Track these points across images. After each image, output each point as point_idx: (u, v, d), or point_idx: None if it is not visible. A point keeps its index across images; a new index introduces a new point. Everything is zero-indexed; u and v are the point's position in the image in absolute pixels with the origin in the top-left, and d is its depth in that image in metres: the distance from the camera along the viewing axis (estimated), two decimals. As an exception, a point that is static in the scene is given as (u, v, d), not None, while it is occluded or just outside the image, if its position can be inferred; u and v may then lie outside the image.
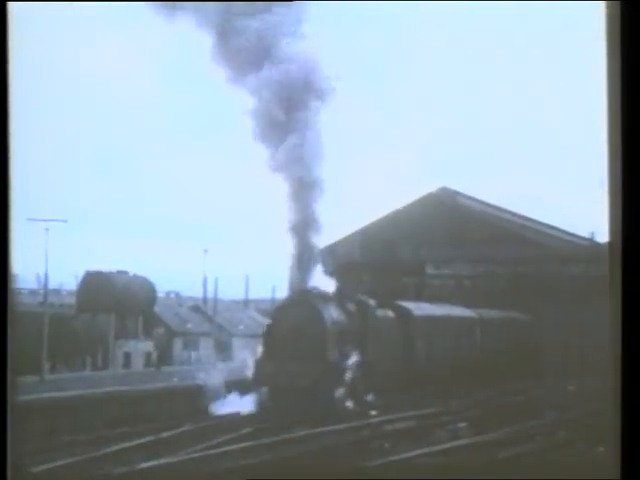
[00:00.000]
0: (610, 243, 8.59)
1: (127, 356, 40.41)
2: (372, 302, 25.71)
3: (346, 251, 40.19)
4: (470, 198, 41.87)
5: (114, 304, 40.61)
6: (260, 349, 23.67)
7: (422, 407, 23.28)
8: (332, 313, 23.76)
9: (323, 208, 23.94)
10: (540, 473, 13.07)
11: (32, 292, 42.76)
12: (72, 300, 42.25)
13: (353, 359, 23.30)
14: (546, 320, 35.90)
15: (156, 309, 44.66)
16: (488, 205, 41.64)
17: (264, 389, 22.82)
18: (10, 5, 9.00)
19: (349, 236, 41.02)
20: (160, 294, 47.11)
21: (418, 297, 34.83)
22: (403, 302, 28.25)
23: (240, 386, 23.30)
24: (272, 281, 24.81)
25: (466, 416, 21.19)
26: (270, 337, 23.63)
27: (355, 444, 17.44)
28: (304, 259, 23.81)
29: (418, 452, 15.63)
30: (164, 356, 39.71)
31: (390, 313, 26.75)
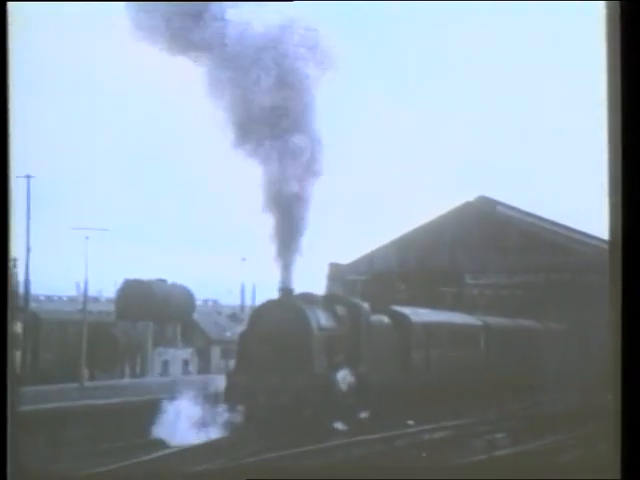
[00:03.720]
0: (610, 242, 8.60)
1: (165, 364, 40.65)
2: (366, 306, 22.86)
3: (383, 260, 40.15)
4: (509, 207, 41.66)
5: (153, 312, 40.88)
6: (233, 359, 20.85)
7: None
8: (319, 317, 20.85)
9: (357, 215, 22.89)
10: (541, 473, 13.01)
11: (71, 299, 43.15)
12: (111, 308, 42.56)
13: (344, 371, 20.52)
14: (579, 329, 35.34)
15: (195, 317, 44.92)
16: (527, 214, 41.40)
17: (239, 407, 19.59)
18: (11, 5, 9.12)
19: (386, 245, 40.99)
20: (198, 302, 47.39)
21: (456, 306, 34.67)
22: (399, 307, 25.36)
23: (211, 402, 19.93)
24: (309, 288, 23.43)
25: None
26: (246, 345, 20.51)
27: (390, 453, 17.25)
28: (288, 257, 20.89)
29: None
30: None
31: (386, 319, 23.75)
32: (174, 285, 43.56)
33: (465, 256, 40.06)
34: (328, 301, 21.81)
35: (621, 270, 8.54)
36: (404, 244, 40.89)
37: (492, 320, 30.17)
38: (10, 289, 9.04)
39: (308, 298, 21.28)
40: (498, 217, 40.97)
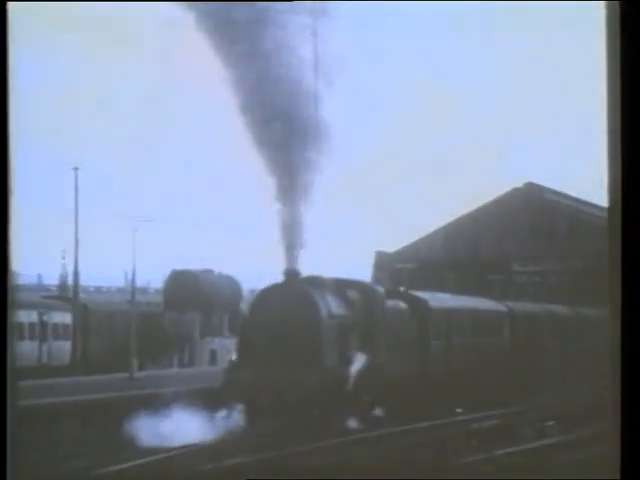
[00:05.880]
0: (609, 209, 8.40)
1: (213, 353, 40.87)
2: (380, 290, 20.48)
3: (430, 248, 39.96)
4: (556, 193, 41.30)
5: (200, 302, 41.12)
6: (234, 352, 18.49)
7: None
8: (329, 303, 18.31)
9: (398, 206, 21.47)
10: (540, 473, 12.71)
11: (120, 290, 43.54)
12: (159, 298, 42.88)
13: (357, 363, 18.14)
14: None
15: (241, 307, 45.09)
16: (576, 200, 41.00)
17: (239, 406, 17.21)
18: (12, 5, 9.11)
19: (433, 233, 40.79)
20: (244, 292, 47.58)
21: (504, 295, 34.37)
22: (417, 292, 23.23)
23: (206, 400, 17.53)
24: (356, 276, 21.97)
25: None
26: (247, 336, 18.14)
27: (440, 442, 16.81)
28: (293, 237, 18.40)
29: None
30: None
31: (402, 304, 21.41)
32: (221, 275, 43.78)
33: (513, 243, 39.75)
34: (339, 285, 19.15)
35: (621, 233, 8.38)
36: (451, 232, 40.66)
37: (518, 306, 27.78)
38: (10, 281, 9.03)
39: (316, 282, 18.61)
40: (546, 203, 40.60)
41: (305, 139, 18.68)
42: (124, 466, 13.54)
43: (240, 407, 17.20)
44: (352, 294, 19.28)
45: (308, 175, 18.76)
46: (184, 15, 18.08)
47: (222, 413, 17.12)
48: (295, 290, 18.14)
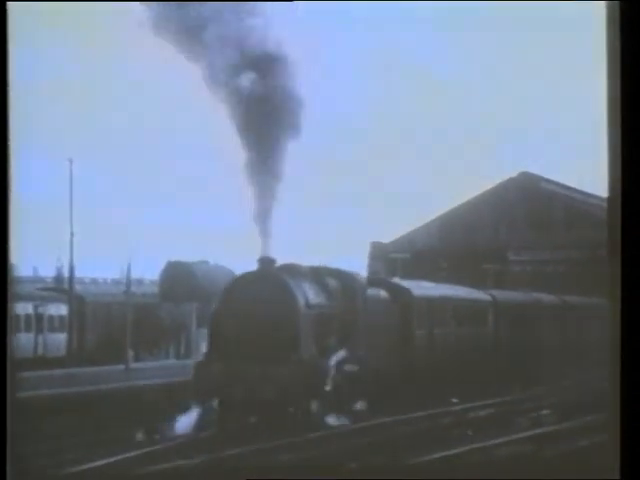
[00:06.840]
0: (609, 200, 8.43)
1: (209, 344, 40.96)
2: (361, 278, 19.49)
3: (425, 238, 40.01)
4: (551, 182, 41.36)
5: (196, 293, 41.10)
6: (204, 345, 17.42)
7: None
8: (307, 292, 17.15)
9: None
10: (541, 473, 12.61)
11: (115, 282, 43.51)
12: (155, 289, 42.89)
13: (336, 356, 17.09)
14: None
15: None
16: (572, 189, 41.06)
17: (212, 402, 16.33)
18: (11, 5, 9.11)
19: (429, 222, 40.82)
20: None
21: (499, 284, 34.43)
22: (399, 280, 22.57)
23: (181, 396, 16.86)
24: (352, 267, 21.54)
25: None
26: (218, 327, 17.04)
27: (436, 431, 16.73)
28: (267, 221, 17.30)
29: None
30: None
31: (384, 293, 20.35)
32: (217, 266, 43.76)
33: (508, 233, 39.82)
34: (316, 273, 18.04)
35: (621, 226, 8.41)
36: (447, 221, 40.69)
37: (503, 295, 27.24)
38: (10, 273, 9.04)
39: (293, 270, 17.56)
40: (542, 193, 40.66)
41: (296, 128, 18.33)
42: (111, 460, 13.25)
43: (212, 402, 16.40)
44: (331, 283, 18.17)
45: (297, 162, 17.91)
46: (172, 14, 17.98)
47: (194, 408, 16.27)
48: (270, 278, 16.98)
